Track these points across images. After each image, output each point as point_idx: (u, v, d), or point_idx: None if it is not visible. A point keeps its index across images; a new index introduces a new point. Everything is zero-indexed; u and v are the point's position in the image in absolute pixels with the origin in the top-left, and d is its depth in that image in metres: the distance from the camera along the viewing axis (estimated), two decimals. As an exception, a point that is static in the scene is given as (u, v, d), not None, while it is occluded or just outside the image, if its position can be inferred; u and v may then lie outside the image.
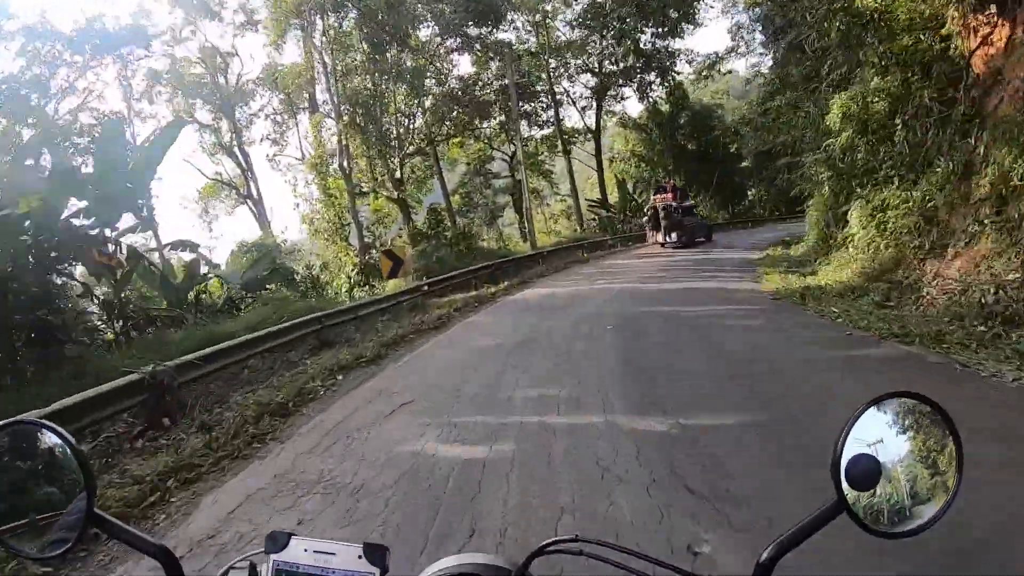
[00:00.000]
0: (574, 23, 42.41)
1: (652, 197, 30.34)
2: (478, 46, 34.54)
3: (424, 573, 0.94)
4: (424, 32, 33.58)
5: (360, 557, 0.87)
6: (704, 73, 36.87)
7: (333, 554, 0.87)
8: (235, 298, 18.86)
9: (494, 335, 10.94)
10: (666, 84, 46.20)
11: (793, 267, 16.22)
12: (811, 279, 13.85)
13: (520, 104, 39.39)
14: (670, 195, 28.99)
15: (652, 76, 45.87)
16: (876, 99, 13.72)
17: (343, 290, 21.87)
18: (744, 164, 52.69)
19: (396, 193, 31.04)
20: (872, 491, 0.84)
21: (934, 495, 0.85)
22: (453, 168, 46.09)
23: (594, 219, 39.96)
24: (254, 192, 40.57)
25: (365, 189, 32.68)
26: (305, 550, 0.88)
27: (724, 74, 47.16)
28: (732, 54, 33.07)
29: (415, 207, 39.79)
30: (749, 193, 55.96)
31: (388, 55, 27.21)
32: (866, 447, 0.84)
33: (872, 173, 14.01)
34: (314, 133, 28.97)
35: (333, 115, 27.71)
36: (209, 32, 50.43)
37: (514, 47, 35.85)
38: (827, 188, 14.74)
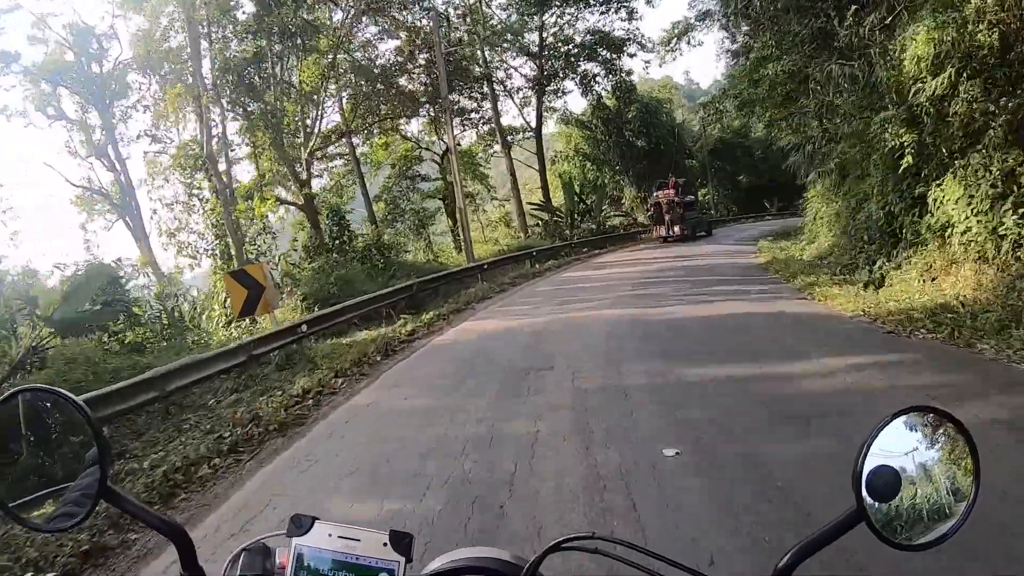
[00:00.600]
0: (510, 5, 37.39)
1: (655, 193, 30.63)
2: (395, 15, 28.75)
3: (437, 563, 0.93)
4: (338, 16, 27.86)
5: (385, 544, 0.84)
6: (671, 46, 32.35)
7: (358, 540, 0.84)
8: (41, 347, 12.54)
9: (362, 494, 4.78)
10: (612, 75, 41.57)
11: (826, 274, 12.71)
12: (884, 296, 9.58)
13: (454, 98, 34.11)
14: (672, 191, 29.23)
15: (596, 67, 41.24)
16: (980, 26, 8.91)
17: (216, 327, 15.74)
18: (693, 163, 49.04)
19: (302, 197, 25.12)
20: (891, 502, 0.84)
21: (951, 508, 0.84)
22: (377, 172, 40.25)
23: (537, 224, 34.78)
24: (135, 201, 33.66)
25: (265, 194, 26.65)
26: (329, 535, 0.85)
27: (694, 47, 42.67)
28: (705, 21, 28.04)
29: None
30: (700, 193, 52.19)
31: (280, 13, 20.88)
32: (887, 459, 0.84)
33: (978, 134, 9.15)
34: (172, 109, 22.53)
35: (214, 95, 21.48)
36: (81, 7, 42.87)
37: (442, 21, 30.11)
38: (908, 158, 9.94)
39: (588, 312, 11.25)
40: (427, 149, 40.41)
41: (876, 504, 0.84)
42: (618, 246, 30.53)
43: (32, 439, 0.96)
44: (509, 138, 43.15)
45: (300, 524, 0.87)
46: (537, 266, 21.60)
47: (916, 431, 0.87)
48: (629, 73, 40.90)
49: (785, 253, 18.61)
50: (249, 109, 24.24)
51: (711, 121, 37.26)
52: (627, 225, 36.57)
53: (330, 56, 25.50)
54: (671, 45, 32.04)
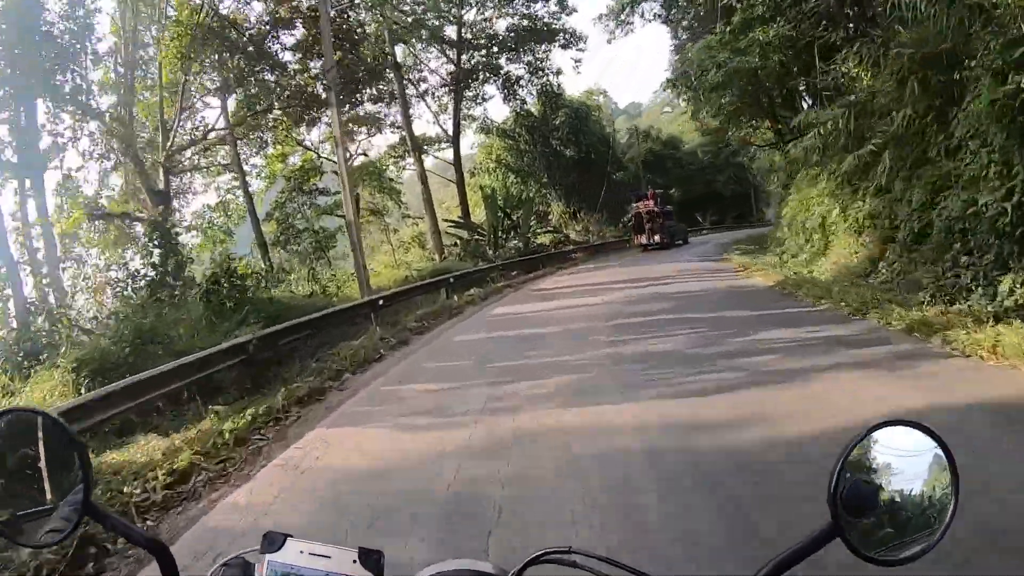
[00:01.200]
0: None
1: (634, 204, 32.05)
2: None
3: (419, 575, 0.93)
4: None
5: (355, 562, 0.83)
6: (622, 17, 28.33)
7: (328, 557, 0.84)
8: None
9: None
10: (539, 76, 37.17)
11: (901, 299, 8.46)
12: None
13: (358, 101, 29.00)
14: (651, 202, 30.71)
15: (521, 69, 36.86)
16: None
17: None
18: (621, 174, 45.27)
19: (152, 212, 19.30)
20: (867, 517, 0.83)
21: (929, 523, 0.83)
22: (270, 187, 34.43)
23: (455, 244, 29.67)
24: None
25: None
26: (300, 552, 0.84)
27: (648, 21, 38.40)
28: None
29: (225, 240, 28.23)
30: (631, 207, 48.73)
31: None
32: (862, 473, 0.84)
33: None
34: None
35: None
36: None
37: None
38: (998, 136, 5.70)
39: (571, 416, 5.44)
40: (327, 159, 35.00)
41: (852, 519, 0.81)
42: (554, 267, 25.85)
43: (17, 459, 0.95)
44: (426, 148, 38.55)
45: (273, 541, 0.85)
46: (456, 298, 16.26)
47: (892, 445, 0.85)
48: (558, 73, 36.49)
49: (786, 270, 14.75)
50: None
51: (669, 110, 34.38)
52: (557, 243, 32.13)
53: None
54: (623, 16, 27.85)
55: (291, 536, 0.87)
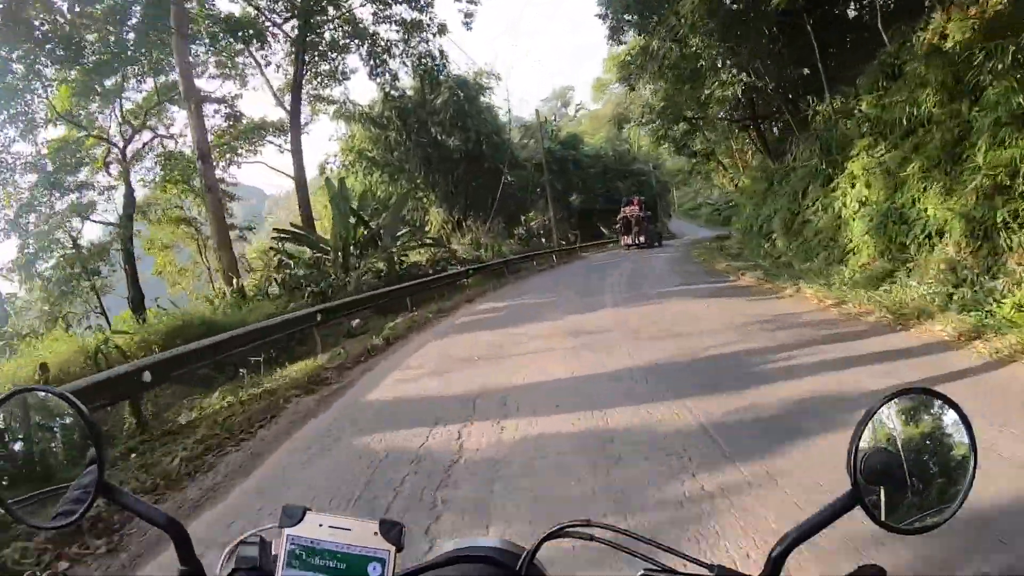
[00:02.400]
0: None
1: (622, 209, 34.99)
2: None
3: (436, 553, 0.94)
4: None
5: (376, 533, 0.83)
6: None
7: (349, 530, 0.84)
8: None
9: None
10: (417, 35, 27.50)
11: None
12: None
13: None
14: (636, 207, 34.27)
15: (393, 32, 27.26)
16: None
17: None
18: (508, 178, 36.65)
19: None
20: (886, 485, 0.83)
21: (947, 491, 0.84)
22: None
23: (286, 267, 19.09)
24: None
25: None
26: (320, 525, 0.84)
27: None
28: None
29: None
30: (529, 215, 40.43)
31: None
32: (882, 442, 0.84)
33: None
34: None
35: None
36: None
37: None
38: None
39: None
40: (102, 138, 24.06)
41: (871, 487, 0.82)
42: (431, 308, 14.64)
43: (31, 438, 0.96)
44: (269, 139, 28.53)
45: (291, 515, 0.85)
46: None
47: (910, 414, 0.86)
48: (441, 31, 26.73)
49: (813, 287, 10.27)
50: None
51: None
52: (437, 261, 22.39)
53: None
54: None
55: (310, 509, 0.85)
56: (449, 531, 3.34)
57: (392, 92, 29.22)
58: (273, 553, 0.88)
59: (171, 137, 27.72)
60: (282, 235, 22.09)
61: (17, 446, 0.98)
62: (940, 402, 0.86)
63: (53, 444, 0.99)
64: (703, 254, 20.82)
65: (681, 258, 22.46)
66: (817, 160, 14.00)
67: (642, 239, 33.05)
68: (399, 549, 0.84)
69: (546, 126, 40.28)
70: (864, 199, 11.87)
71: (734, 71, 16.20)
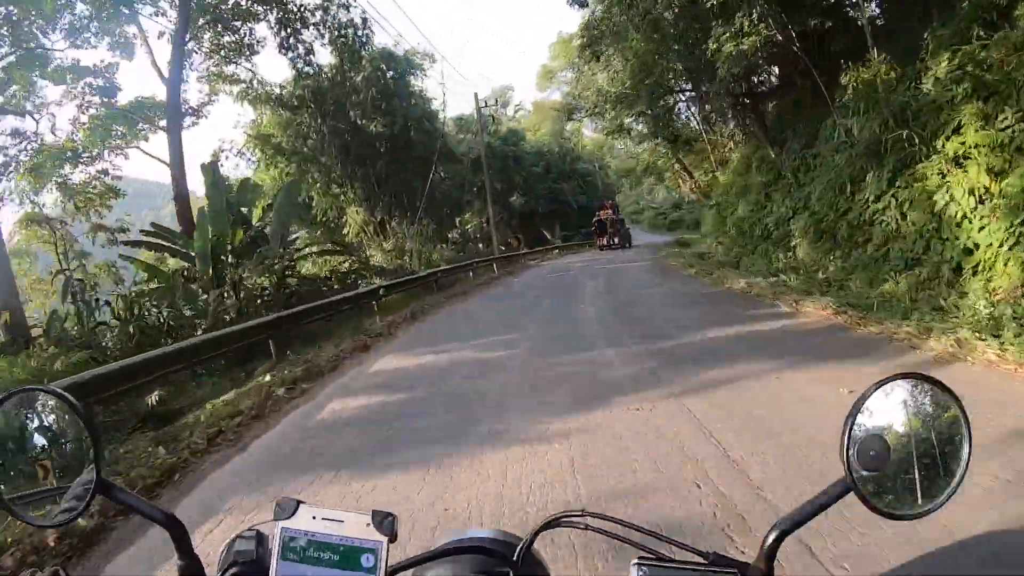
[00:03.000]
0: None
1: (598, 212, 37.07)
2: None
3: (433, 546, 0.95)
4: None
5: (368, 525, 0.83)
6: None
7: (341, 521, 0.84)
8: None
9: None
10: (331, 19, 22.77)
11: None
12: None
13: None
14: (610, 211, 36.86)
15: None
16: None
17: None
18: (443, 176, 31.66)
19: None
20: (880, 471, 0.82)
21: (941, 476, 0.82)
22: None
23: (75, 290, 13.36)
24: None
25: None
26: (314, 517, 0.84)
27: None
28: None
29: None
30: (465, 216, 35.79)
31: None
32: (874, 427, 0.83)
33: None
34: None
35: None
36: None
37: None
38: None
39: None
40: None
41: (865, 473, 0.81)
42: (333, 354, 8.81)
43: (30, 438, 0.95)
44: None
45: (285, 508, 0.85)
46: None
47: (904, 399, 0.84)
48: None
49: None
50: None
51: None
52: (346, 273, 17.09)
53: None
54: None
55: (303, 502, 0.85)
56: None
57: (306, 68, 24.13)
58: (269, 547, 0.86)
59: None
60: (142, 240, 16.54)
61: (16, 446, 0.95)
62: (934, 388, 0.83)
63: (52, 443, 0.96)
64: (688, 264, 16.42)
65: (660, 268, 18.13)
66: (882, 136, 9.74)
67: (616, 240, 34.91)
68: (392, 540, 0.83)
69: (486, 113, 35.58)
70: (985, 189, 7.66)
71: (755, 16, 11.82)
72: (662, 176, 41.72)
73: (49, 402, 0.96)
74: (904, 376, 0.84)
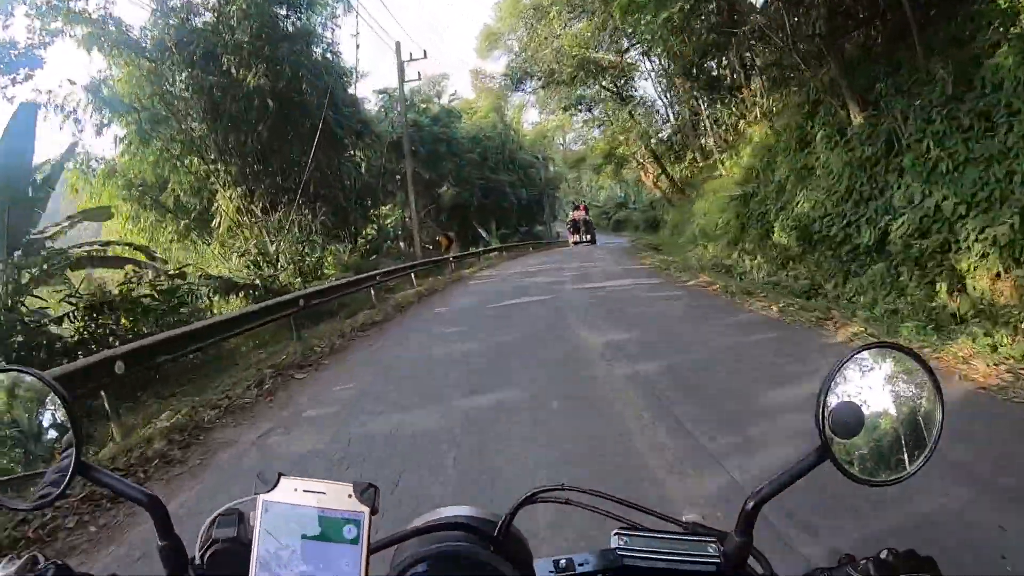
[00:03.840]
0: None
1: (571, 213, 41.64)
2: None
3: (413, 524, 0.95)
4: None
5: (350, 496, 0.81)
6: None
7: (323, 493, 0.81)
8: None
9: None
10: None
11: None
12: None
13: None
14: (583, 211, 41.09)
15: None
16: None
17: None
18: (362, 155, 24.72)
19: None
20: (855, 439, 0.84)
21: (915, 443, 0.84)
22: None
23: None
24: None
25: None
26: (295, 490, 0.82)
27: None
28: None
29: None
30: (383, 210, 29.21)
31: None
32: (849, 396, 0.84)
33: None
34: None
35: None
36: None
37: None
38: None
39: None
40: None
41: (840, 441, 0.83)
42: None
43: (6, 419, 0.93)
44: None
45: (266, 481, 0.82)
46: None
47: (877, 367, 0.85)
48: None
49: None
50: None
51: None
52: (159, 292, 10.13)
53: None
54: None
55: (284, 474, 0.82)
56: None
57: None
58: (251, 524, 0.86)
59: None
60: None
61: None
62: (907, 357, 0.85)
63: (30, 425, 0.94)
64: (740, 293, 10.14)
65: (696, 301, 10.98)
66: None
67: (588, 237, 38.72)
68: (373, 511, 0.80)
69: (410, 88, 28.87)
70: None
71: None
72: (621, 165, 36.09)
73: (26, 381, 0.93)
74: (877, 345, 0.86)
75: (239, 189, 19.52)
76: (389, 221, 30.25)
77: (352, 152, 22.30)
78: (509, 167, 41.97)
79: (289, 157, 19.81)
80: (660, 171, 29.28)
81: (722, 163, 18.50)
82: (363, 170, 23.55)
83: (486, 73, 36.91)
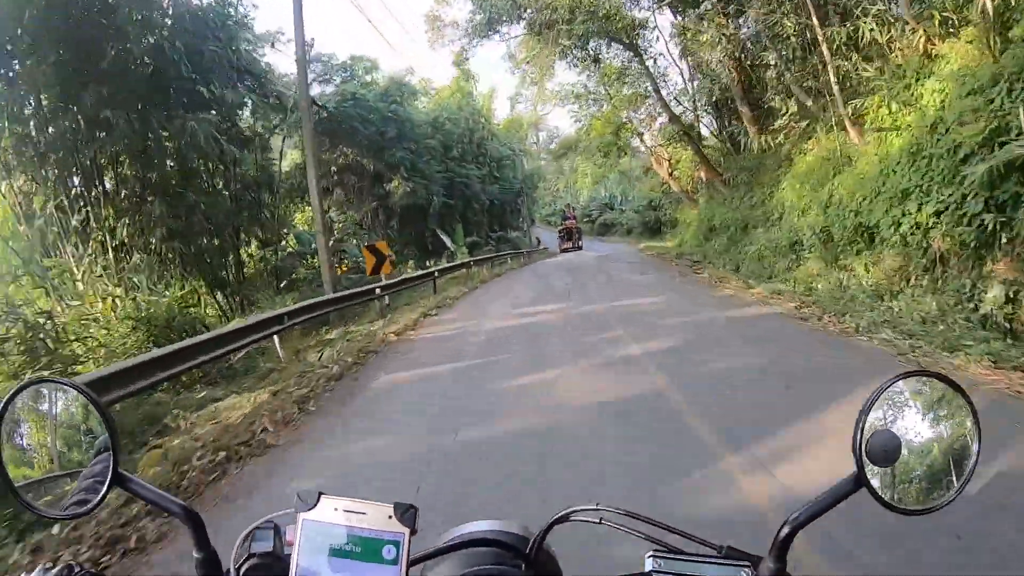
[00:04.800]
0: None
1: (563, 222, 40.61)
2: None
3: (446, 536, 0.95)
4: None
5: (390, 516, 0.81)
6: None
7: (363, 513, 0.82)
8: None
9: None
10: None
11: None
12: None
13: None
14: (572, 219, 40.86)
15: None
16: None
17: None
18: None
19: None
20: (891, 467, 0.82)
21: (951, 473, 0.82)
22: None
23: None
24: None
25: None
26: (335, 509, 0.82)
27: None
28: None
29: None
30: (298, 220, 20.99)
31: None
32: (887, 424, 0.82)
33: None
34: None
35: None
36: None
37: None
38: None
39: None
40: None
41: (876, 469, 0.81)
42: None
43: (45, 430, 0.92)
44: None
45: (306, 500, 0.83)
46: None
47: (915, 396, 0.83)
48: None
49: None
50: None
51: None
52: None
53: None
54: None
55: (324, 493, 0.82)
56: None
57: None
58: (288, 539, 0.86)
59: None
60: None
61: (30, 438, 0.92)
62: (945, 385, 0.82)
63: (68, 435, 0.93)
64: None
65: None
66: None
67: (580, 244, 38.80)
68: (413, 532, 0.81)
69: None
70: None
71: None
72: (622, 152, 27.83)
73: (65, 393, 0.92)
74: (915, 374, 0.83)
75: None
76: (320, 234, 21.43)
77: (224, 119, 13.50)
78: (479, 159, 33.56)
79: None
80: (692, 153, 21.06)
81: (869, 114, 10.09)
82: (248, 150, 14.80)
83: (445, 21, 26.26)
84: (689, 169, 23.09)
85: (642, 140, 25.22)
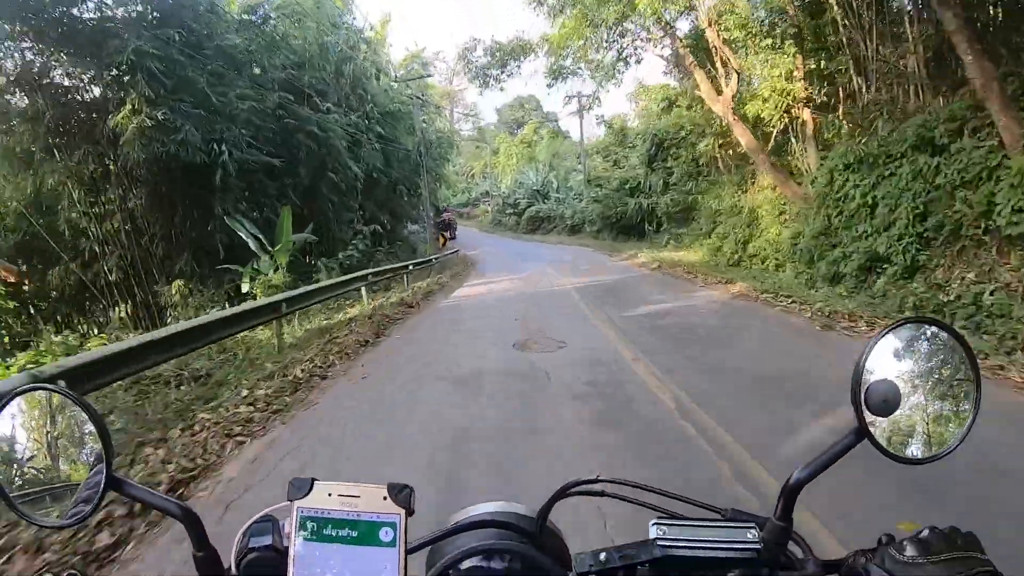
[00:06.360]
0: None
1: (443, 214, 38.71)
2: None
3: (450, 520, 0.92)
4: None
5: (385, 498, 0.80)
6: None
7: (357, 496, 0.80)
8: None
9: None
10: None
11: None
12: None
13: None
14: (451, 213, 42.99)
15: None
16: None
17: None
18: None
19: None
20: (892, 417, 0.80)
21: (953, 421, 0.81)
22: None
23: None
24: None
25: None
26: (329, 494, 0.81)
27: None
28: None
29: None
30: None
31: None
32: (885, 374, 0.79)
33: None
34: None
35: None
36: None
37: None
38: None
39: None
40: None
41: (877, 420, 0.79)
42: None
43: (36, 436, 0.89)
44: None
45: (300, 487, 0.81)
46: None
47: (913, 344, 0.81)
48: None
49: None
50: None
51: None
52: None
53: None
54: None
55: (317, 480, 0.81)
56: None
57: None
58: (285, 530, 0.83)
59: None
60: None
61: (23, 445, 0.89)
62: (942, 331, 0.80)
63: (60, 441, 0.90)
64: None
65: None
66: None
67: (456, 235, 39.25)
68: (409, 513, 0.79)
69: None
70: None
71: None
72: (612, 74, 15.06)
73: (55, 399, 0.90)
74: (912, 320, 0.80)
75: None
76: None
77: None
78: (351, 102, 19.54)
79: None
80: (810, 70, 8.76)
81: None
82: None
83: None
84: (790, 104, 10.63)
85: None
